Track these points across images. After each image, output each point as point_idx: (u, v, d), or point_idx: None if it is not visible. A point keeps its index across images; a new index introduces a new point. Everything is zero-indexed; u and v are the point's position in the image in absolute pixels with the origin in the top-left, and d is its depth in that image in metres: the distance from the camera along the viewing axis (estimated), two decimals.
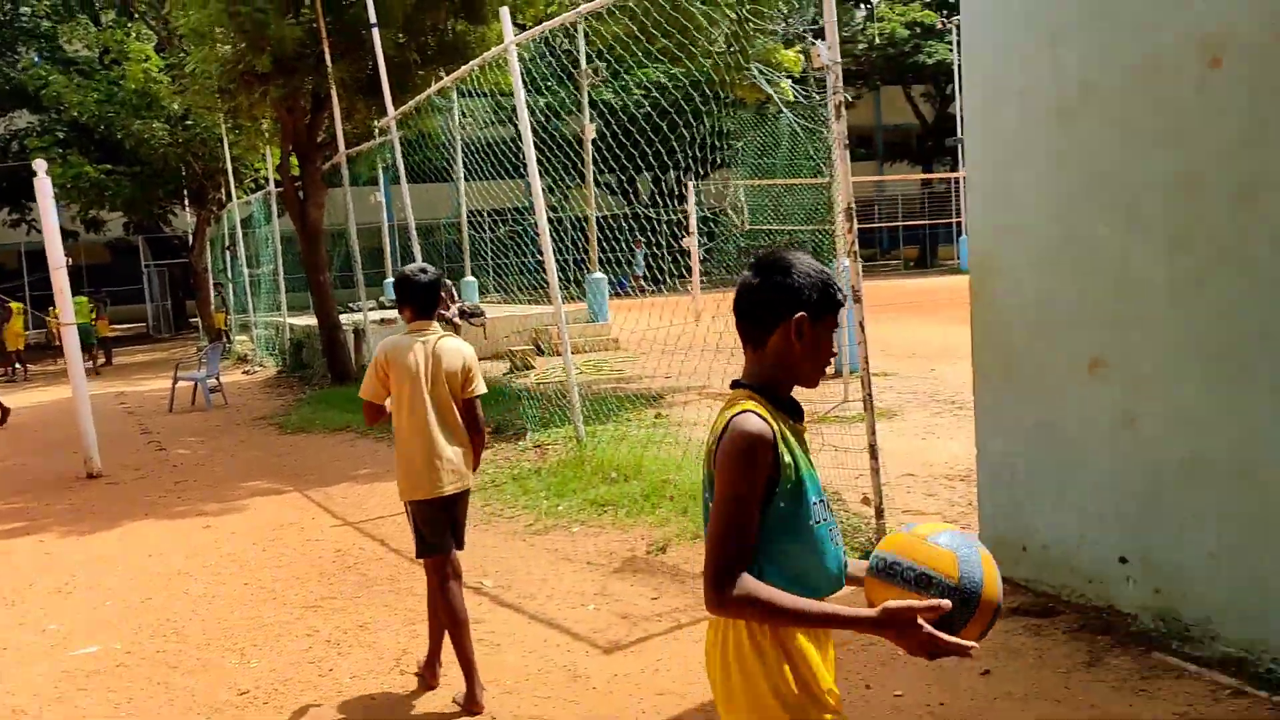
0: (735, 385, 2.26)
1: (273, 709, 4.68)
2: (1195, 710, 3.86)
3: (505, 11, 8.82)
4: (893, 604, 1.99)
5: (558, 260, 10.14)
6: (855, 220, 5.58)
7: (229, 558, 7.20)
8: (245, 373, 20.63)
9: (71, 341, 11.14)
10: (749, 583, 2.05)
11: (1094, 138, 4.57)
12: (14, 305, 24.69)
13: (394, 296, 4.71)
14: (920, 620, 1.97)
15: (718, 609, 2.09)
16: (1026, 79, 4.86)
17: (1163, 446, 4.39)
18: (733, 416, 2.12)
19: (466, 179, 20.07)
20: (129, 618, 6.07)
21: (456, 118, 19.58)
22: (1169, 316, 4.31)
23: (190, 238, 32.17)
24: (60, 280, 10.91)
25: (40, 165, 10.82)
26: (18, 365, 23.65)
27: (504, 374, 14.85)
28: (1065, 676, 4.25)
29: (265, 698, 4.81)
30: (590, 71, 16.21)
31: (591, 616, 5.49)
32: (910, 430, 9.25)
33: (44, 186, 10.76)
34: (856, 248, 5.60)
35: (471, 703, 4.45)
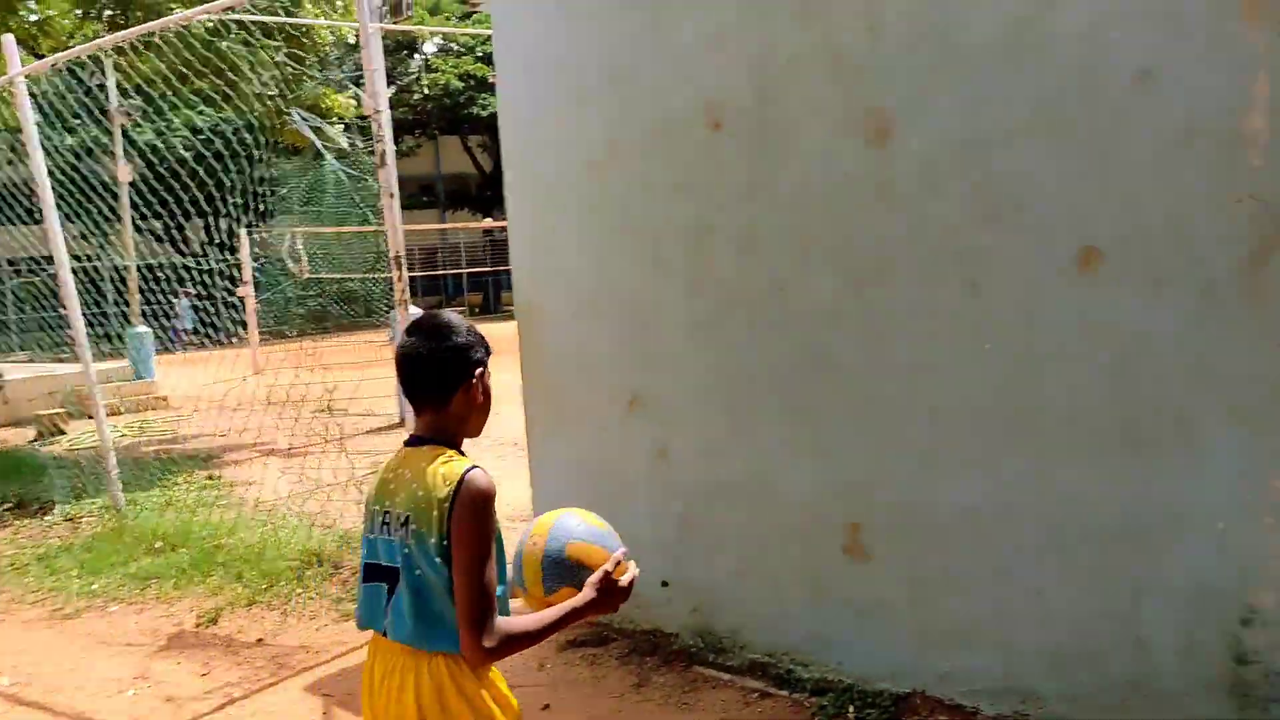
0: (419, 441, 2.39)
1: None
2: (730, 715, 4.21)
3: (10, 40, 7.92)
4: (593, 578, 2.31)
5: (94, 313, 9.24)
6: (405, 269, 5.58)
7: None
8: None
9: None
10: (502, 624, 2.22)
11: (621, 190, 4.91)
12: None
13: None
14: (614, 577, 2.32)
15: (488, 658, 2.22)
16: (559, 133, 5.14)
17: (692, 475, 4.78)
18: (464, 474, 2.25)
19: None
20: None
21: None
22: (692, 355, 4.71)
23: None
24: None
25: None
26: None
27: (30, 441, 13.24)
28: (618, 700, 4.47)
29: None
30: (125, 110, 14.99)
31: (130, 703, 4.99)
32: None
33: None
34: (408, 296, 5.60)
35: None
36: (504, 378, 2.71)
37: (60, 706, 5.04)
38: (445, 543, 2.23)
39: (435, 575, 2.24)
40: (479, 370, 2.39)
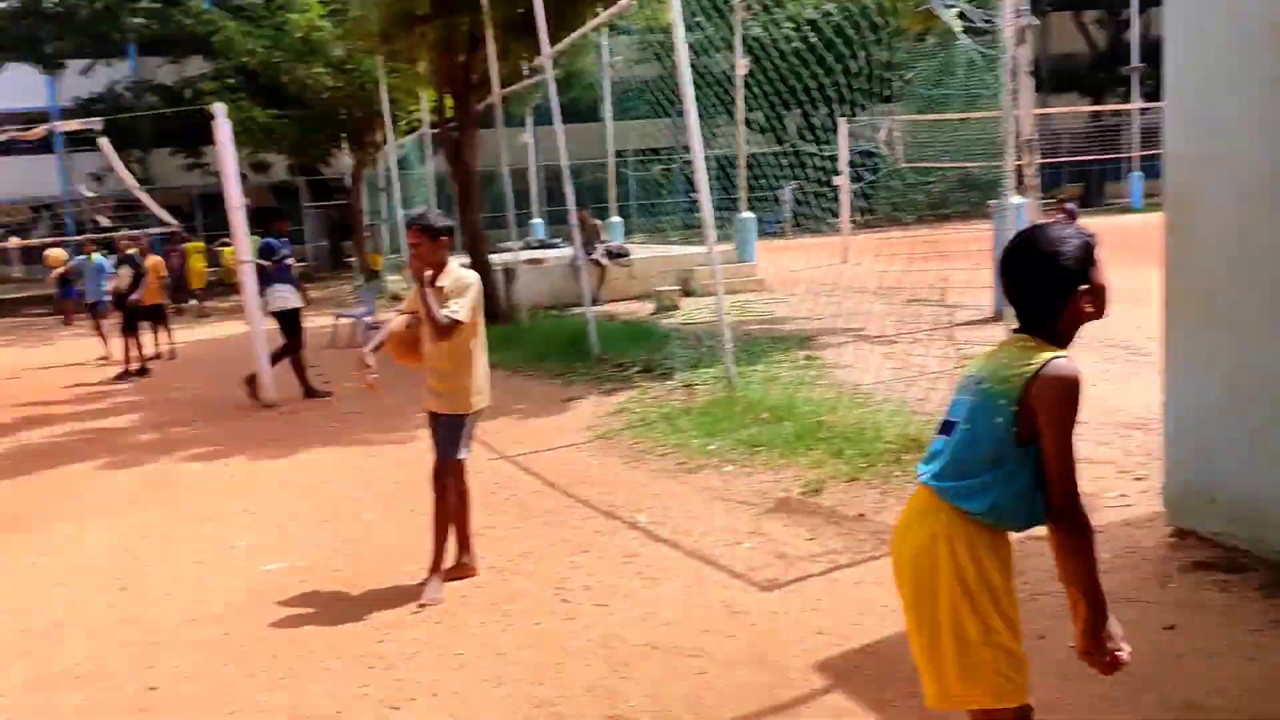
0: (1018, 332, 2.47)
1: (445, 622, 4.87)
2: None
3: None
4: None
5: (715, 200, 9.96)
6: (1035, 154, 5.27)
7: (397, 486, 7.39)
8: (399, 311, 20.94)
9: (249, 279, 11.37)
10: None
11: None
12: (193, 245, 25.79)
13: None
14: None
15: (1079, 529, 2.35)
16: None
17: None
18: (1051, 360, 2.33)
19: (615, 118, 19.98)
20: (309, 538, 6.39)
21: (605, 56, 19.44)
22: None
23: (348, 179, 33.00)
24: (238, 221, 11.26)
25: (219, 110, 11.17)
26: (193, 301, 24.77)
27: (650, 314, 14.86)
28: (1255, 635, 3.99)
29: (437, 615, 5.00)
30: (744, 5, 15.83)
31: (747, 554, 5.43)
32: None
33: (222, 130, 11.11)
34: (1036, 182, 5.30)
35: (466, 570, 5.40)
36: (1116, 276, 2.50)
37: (687, 546, 5.63)
38: (1014, 409, 2.33)
39: (986, 431, 2.37)
40: (1082, 289, 2.37)
